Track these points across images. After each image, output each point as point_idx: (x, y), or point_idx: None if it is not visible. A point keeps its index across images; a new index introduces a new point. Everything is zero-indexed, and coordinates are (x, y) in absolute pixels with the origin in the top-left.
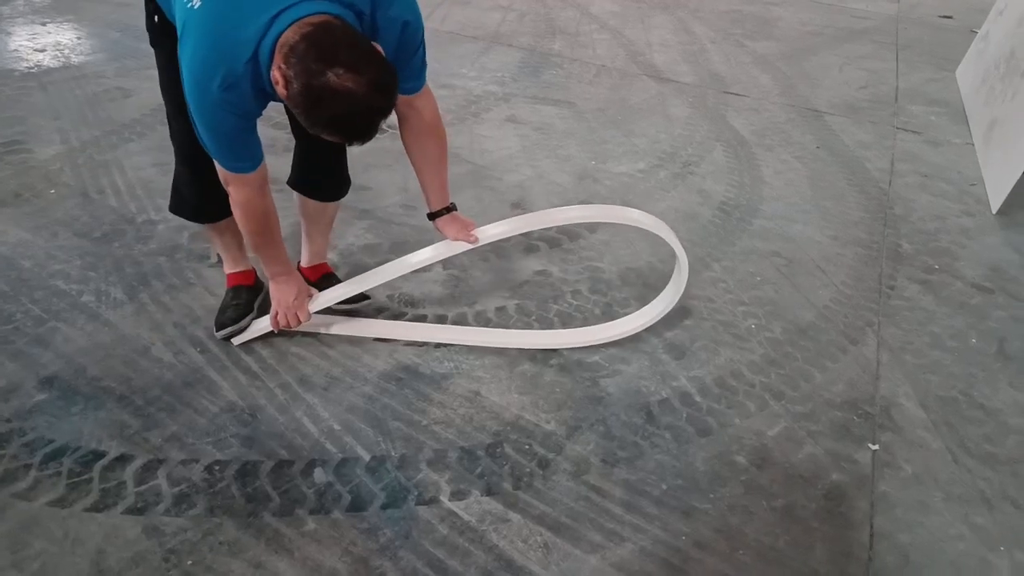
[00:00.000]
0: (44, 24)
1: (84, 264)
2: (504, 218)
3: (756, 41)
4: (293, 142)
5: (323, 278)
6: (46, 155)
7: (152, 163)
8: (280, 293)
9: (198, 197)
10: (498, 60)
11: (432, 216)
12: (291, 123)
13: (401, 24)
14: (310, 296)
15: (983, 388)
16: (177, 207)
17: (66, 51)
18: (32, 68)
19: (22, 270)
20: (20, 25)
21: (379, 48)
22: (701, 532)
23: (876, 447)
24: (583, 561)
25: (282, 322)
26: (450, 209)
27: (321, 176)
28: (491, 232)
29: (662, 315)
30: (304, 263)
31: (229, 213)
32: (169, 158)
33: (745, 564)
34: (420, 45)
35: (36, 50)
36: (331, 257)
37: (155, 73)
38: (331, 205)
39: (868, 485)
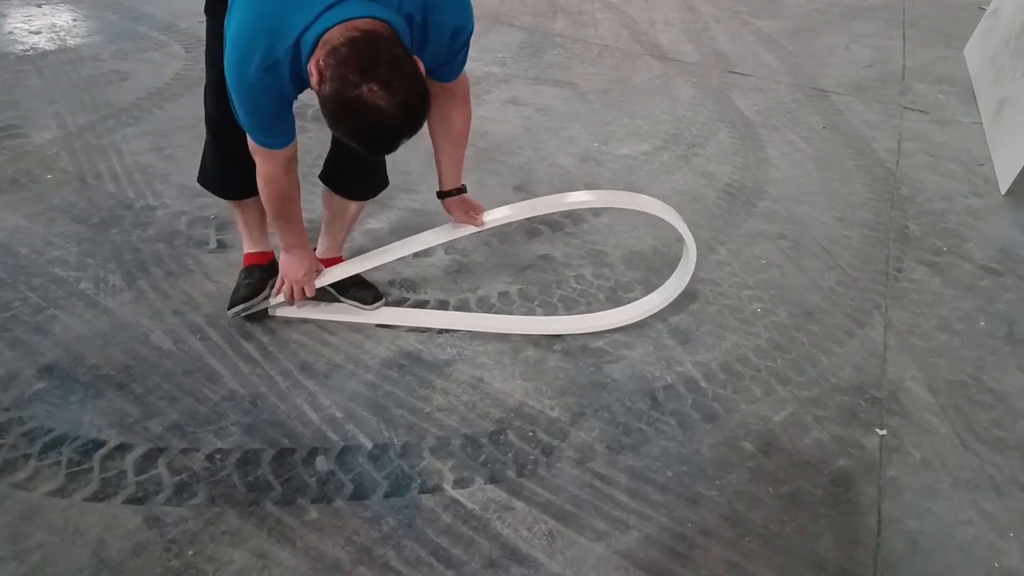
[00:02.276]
0: (39, 6)
1: (82, 251)
2: (507, 201)
3: (761, 19)
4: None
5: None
6: (42, 140)
7: (150, 147)
8: (291, 266)
9: (225, 173)
10: (499, 40)
11: (442, 195)
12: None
13: (452, 30)
14: (319, 272)
15: (992, 372)
16: (204, 180)
17: (62, 33)
18: (27, 51)
19: (19, 257)
20: (15, 7)
21: (420, 65)
22: (707, 519)
23: (884, 432)
24: (588, 549)
25: (286, 294)
26: (461, 190)
27: (355, 174)
28: (498, 216)
29: (669, 301)
30: (319, 253)
31: (254, 192)
32: (166, 142)
33: (752, 551)
34: (466, 45)
35: (31, 32)
36: None
37: (152, 55)
38: (356, 203)
39: (876, 471)
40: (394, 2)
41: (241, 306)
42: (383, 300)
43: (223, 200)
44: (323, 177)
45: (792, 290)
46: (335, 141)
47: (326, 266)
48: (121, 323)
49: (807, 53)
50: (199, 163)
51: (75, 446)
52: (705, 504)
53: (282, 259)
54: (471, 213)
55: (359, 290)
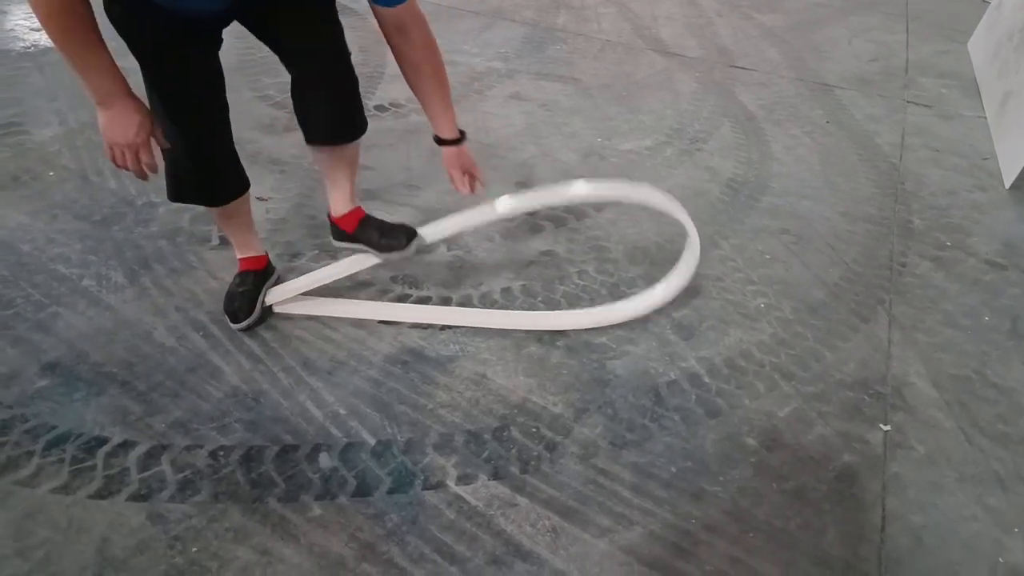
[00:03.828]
0: None
1: (84, 248)
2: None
3: (764, 13)
4: (294, 122)
5: (361, 225)
6: (44, 137)
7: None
8: (113, 126)
9: (201, 180)
10: (501, 36)
11: (439, 142)
12: (281, 57)
13: None
14: (152, 135)
15: (996, 366)
16: (180, 194)
17: None
18: (29, 48)
19: (22, 254)
20: (16, 4)
21: None
22: (711, 515)
23: (888, 427)
24: (592, 545)
25: (119, 161)
26: (458, 140)
27: (327, 111)
28: (503, 207)
29: (674, 295)
30: (335, 213)
31: (235, 196)
32: None
33: (756, 547)
34: None
35: (32, 29)
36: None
37: None
38: (348, 149)
39: (880, 466)
40: None
41: (244, 323)
42: (418, 237)
43: (203, 208)
44: (308, 138)
45: (796, 285)
46: (294, 86)
47: (349, 224)
48: (124, 320)
49: (810, 47)
50: (165, 181)
51: (78, 443)
52: (709, 500)
53: (100, 118)
54: (465, 174)
55: (388, 239)
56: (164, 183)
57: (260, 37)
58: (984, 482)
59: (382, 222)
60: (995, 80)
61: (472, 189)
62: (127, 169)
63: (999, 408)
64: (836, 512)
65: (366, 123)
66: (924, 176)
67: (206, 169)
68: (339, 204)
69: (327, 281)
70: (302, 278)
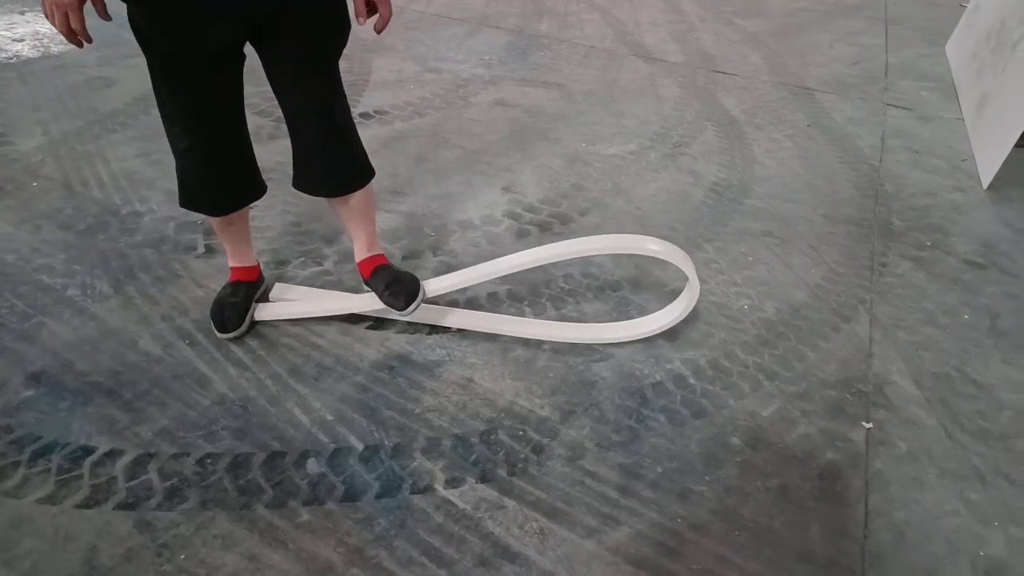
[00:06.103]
0: (22, 13)
1: (69, 257)
2: (494, 203)
3: (746, 19)
4: (279, 129)
5: (374, 273)
6: (27, 147)
7: (136, 154)
8: None
9: (213, 189)
10: (485, 42)
11: None
12: (281, 104)
13: None
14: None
15: (976, 364)
16: (191, 202)
17: (45, 40)
18: (11, 58)
19: (5, 265)
20: None
21: None
22: (697, 514)
23: (870, 425)
24: (579, 546)
25: (47, 15)
26: None
27: (323, 166)
28: (512, 262)
29: (663, 329)
30: (356, 259)
31: (240, 205)
32: (153, 148)
33: (741, 545)
34: None
35: (14, 40)
36: (319, 246)
37: (137, 61)
38: (350, 199)
39: (862, 463)
40: None
41: (234, 333)
42: (419, 297)
43: (189, 216)
44: (297, 185)
45: (779, 286)
46: (292, 136)
47: (366, 269)
48: (109, 329)
49: (791, 52)
50: (177, 187)
51: (65, 453)
52: (695, 499)
53: None
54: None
55: (391, 295)
56: (148, 193)
57: (267, 74)
58: (965, 477)
59: (393, 274)
60: (972, 83)
61: (379, 29)
62: (53, 23)
63: (979, 404)
64: (820, 509)
65: (362, 179)
66: (904, 178)
67: (217, 178)
68: (357, 250)
69: (320, 314)
70: (296, 304)
